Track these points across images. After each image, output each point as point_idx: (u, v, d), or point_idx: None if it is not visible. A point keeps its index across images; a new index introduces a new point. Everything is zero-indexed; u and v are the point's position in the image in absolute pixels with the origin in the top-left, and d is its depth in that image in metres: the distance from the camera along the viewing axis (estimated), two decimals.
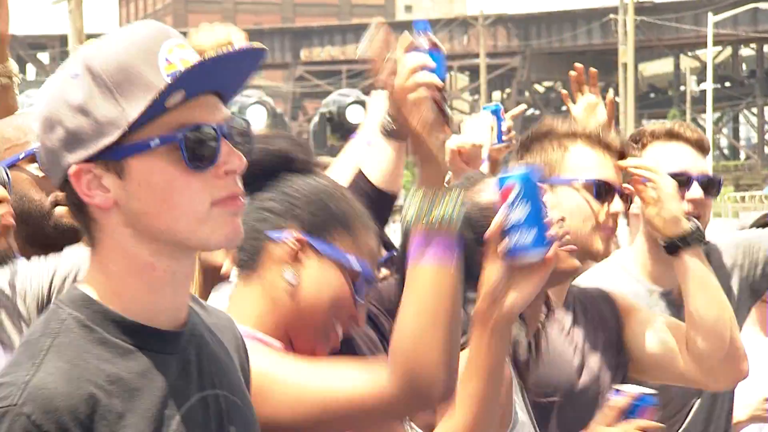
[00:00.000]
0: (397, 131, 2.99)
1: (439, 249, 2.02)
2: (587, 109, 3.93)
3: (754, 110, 65.71)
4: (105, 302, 1.80)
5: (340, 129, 19.28)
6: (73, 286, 1.87)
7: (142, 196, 1.77)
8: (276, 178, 2.27)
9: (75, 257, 2.74)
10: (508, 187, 2.19)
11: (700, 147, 3.67)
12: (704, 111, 42.21)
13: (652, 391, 2.78)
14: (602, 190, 3.15)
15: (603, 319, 3.24)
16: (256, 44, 1.95)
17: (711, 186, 3.64)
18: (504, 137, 3.93)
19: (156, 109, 1.74)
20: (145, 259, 1.79)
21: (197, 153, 1.76)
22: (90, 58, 1.77)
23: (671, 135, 3.65)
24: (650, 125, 3.76)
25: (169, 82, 1.73)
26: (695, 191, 3.57)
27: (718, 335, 3.18)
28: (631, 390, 2.70)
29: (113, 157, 1.76)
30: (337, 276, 2.22)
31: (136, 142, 1.75)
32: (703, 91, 47.21)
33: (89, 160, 1.77)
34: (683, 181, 3.53)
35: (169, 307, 1.82)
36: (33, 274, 2.71)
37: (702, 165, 3.65)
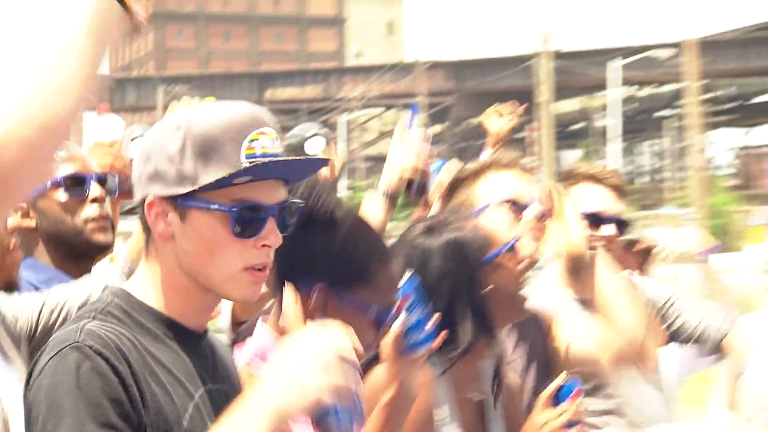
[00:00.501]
0: (393, 196, 3.10)
1: None
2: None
3: (648, 143, 67.86)
4: (143, 300, 1.86)
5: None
6: (115, 286, 1.92)
7: (194, 241, 1.83)
8: (305, 225, 2.15)
9: (61, 293, 2.72)
10: (405, 296, 2.26)
11: (618, 191, 3.62)
12: (606, 144, 43.47)
13: (573, 380, 2.81)
14: (516, 204, 3.06)
15: (535, 338, 3.24)
16: (322, 155, 2.02)
17: (622, 226, 3.59)
18: None
19: (224, 182, 1.80)
20: (183, 283, 1.86)
21: (245, 226, 1.82)
22: (193, 121, 1.83)
23: (594, 178, 3.61)
24: (580, 168, 3.72)
25: (244, 166, 1.80)
26: (606, 230, 3.53)
27: (631, 331, 3.21)
28: (556, 382, 2.78)
29: (181, 203, 1.82)
30: (358, 320, 2.18)
31: (201, 200, 1.81)
32: (605, 126, 48.57)
33: (163, 197, 1.84)
34: (597, 220, 3.51)
35: (195, 315, 1.88)
36: (24, 305, 2.64)
37: (617, 207, 3.59)
